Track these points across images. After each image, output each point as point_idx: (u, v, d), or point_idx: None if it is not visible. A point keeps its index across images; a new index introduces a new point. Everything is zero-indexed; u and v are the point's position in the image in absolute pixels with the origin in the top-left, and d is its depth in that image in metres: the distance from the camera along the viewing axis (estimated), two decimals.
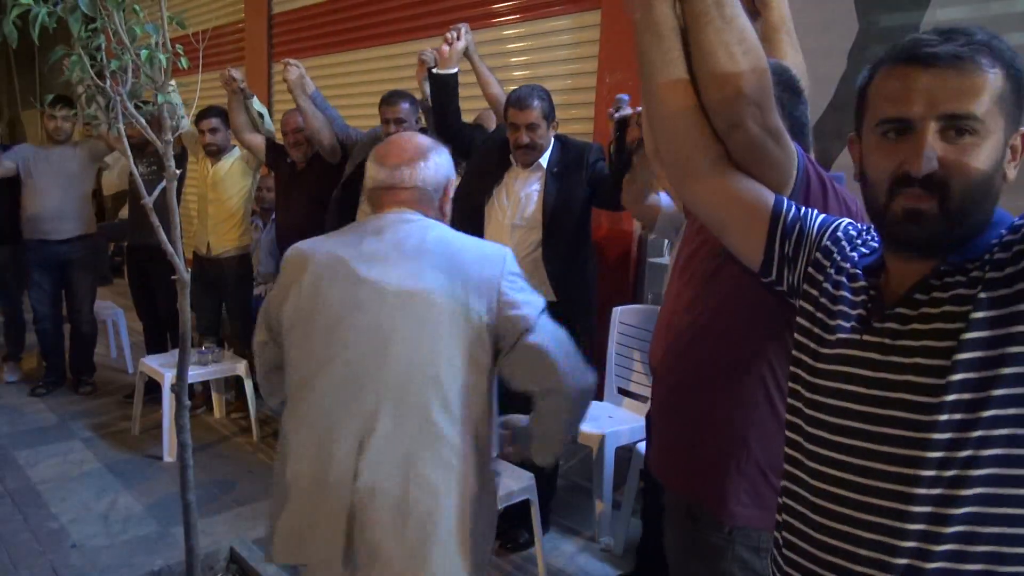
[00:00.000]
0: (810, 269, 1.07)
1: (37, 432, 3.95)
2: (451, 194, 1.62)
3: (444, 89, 2.89)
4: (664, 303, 1.60)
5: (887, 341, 0.94)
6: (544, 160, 2.79)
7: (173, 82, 2.08)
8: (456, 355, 1.41)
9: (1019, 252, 0.86)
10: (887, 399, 0.92)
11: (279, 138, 4.06)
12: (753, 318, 1.33)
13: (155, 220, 1.82)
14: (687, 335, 1.44)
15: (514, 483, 2.55)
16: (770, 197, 1.12)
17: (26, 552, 2.80)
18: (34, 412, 4.23)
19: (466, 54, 2.98)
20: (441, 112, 2.93)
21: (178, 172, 1.86)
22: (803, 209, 1.11)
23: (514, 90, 2.77)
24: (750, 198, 1.13)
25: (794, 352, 1.06)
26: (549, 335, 1.45)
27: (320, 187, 3.65)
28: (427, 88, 3.20)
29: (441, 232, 1.52)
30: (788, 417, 1.06)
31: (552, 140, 2.81)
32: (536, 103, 2.68)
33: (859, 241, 1.07)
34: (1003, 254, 0.87)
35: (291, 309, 1.50)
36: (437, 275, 1.42)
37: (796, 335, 1.06)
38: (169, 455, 3.63)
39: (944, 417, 0.86)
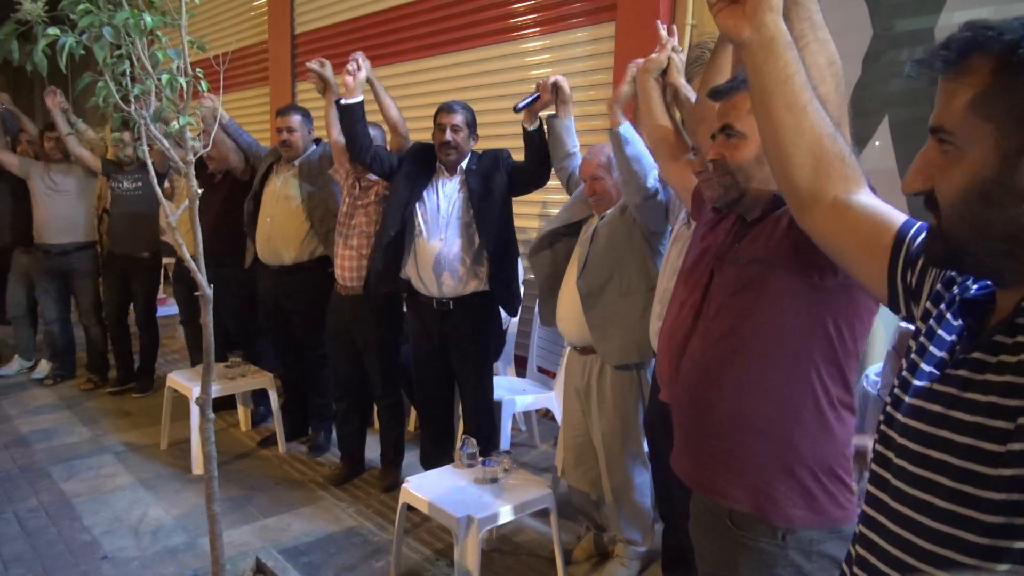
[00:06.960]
0: (929, 304, 0.91)
1: (70, 447, 4.05)
2: None
3: (351, 116, 3.06)
4: (669, 311, 1.59)
5: (955, 392, 0.78)
6: (464, 165, 3.15)
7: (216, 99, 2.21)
8: None
9: None
10: (943, 464, 0.76)
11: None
12: (799, 324, 1.32)
13: (178, 238, 1.88)
14: (724, 345, 1.39)
15: (532, 493, 2.59)
16: (896, 221, 0.98)
17: (60, 564, 2.87)
18: (67, 428, 4.34)
19: (368, 81, 3.13)
20: (352, 138, 3.09)
21: (200, 192, 1.91)
22: None
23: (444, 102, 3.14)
24: (873, 223, 0.99)
25: (893, 391, 0.93)
26: None
27: (229, 199, 4.01)
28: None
29: None
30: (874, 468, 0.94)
31: (471, 152, 3.16)
32: (460, 111, 3.09)
33: None
34: None
35: None
36: None
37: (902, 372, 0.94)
38: (197, 467, 3.70)
39: (1000, 496, 0.70)
